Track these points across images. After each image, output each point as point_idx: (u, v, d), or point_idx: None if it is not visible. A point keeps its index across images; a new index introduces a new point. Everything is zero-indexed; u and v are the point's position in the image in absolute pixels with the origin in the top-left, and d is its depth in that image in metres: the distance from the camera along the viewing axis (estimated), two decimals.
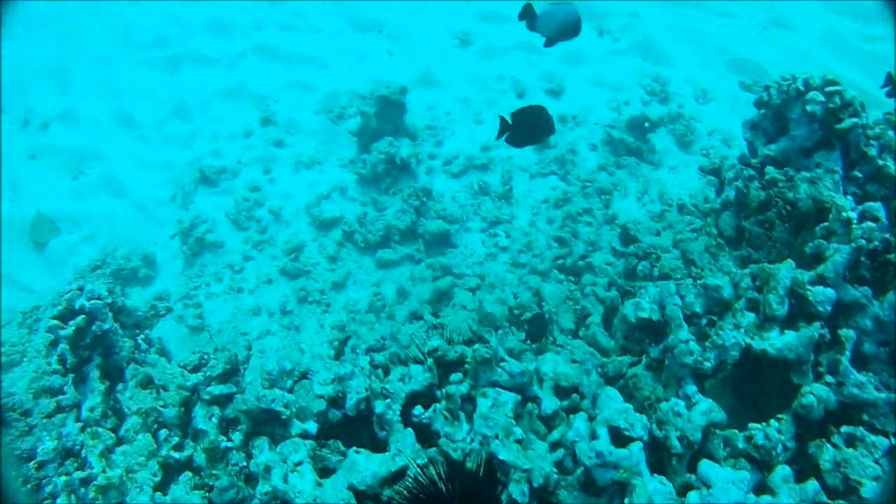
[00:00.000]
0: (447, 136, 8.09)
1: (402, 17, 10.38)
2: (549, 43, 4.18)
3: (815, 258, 3.74)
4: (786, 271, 3.49)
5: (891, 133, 4.73)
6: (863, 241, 3.57)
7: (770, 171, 4.69)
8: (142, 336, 4.07)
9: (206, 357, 3.81)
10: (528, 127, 4.06)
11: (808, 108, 4.49)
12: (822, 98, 4.46)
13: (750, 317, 3.49)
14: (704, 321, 3.65)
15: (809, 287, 3.45)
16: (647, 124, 7.75)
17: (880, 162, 4.48)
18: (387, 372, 3.63)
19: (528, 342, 4.95)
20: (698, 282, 3.75)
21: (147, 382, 3.68)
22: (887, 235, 3.65)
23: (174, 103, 9.57)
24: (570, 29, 4.05)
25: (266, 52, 10.14)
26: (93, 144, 9.23)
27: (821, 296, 3.40)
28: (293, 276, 6.71)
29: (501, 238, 6.73)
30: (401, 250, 6.63)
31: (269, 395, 3.34)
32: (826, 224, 3.91)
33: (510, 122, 4.01)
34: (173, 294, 6.83)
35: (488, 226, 6.89)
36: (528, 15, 4.04)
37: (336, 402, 3.37)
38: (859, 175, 4.54)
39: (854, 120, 4.45)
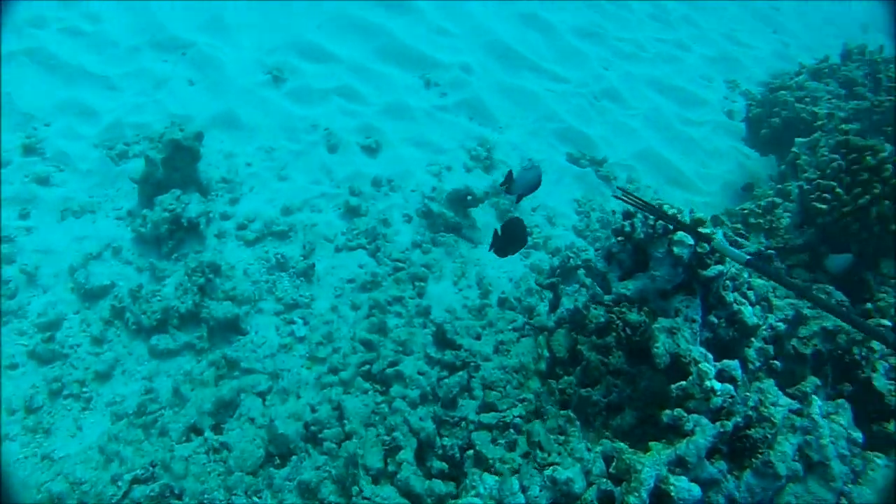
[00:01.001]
0: (245, 193, 7.54)
1: (211, 40, 9.71)
2: (519, 198, 5.10)
3: (671, 429, 3.72)
4: (650, 469, 3.34)
5: (745, 274, 4.87)
6: (728, 425, 3.60)
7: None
8: None
9: None
10: (511, 239, 4.88)
11: (676, 250, 4.38)
12: (690, 241, 4.38)
13: None
14: None
15: (673, 482, 3.36)
16: (469, 198, 7.55)
17: (736, 307, 4.56)
18: None
19: None
20: (545, 473, 3.50)
21: None
22: (749, 411, 3.71)
23: None
24: (535, 186, 4.94)
25: (43, 59, 9.06)
26: None
27: (685, 493, 3.31)
28: (46, 361, 5.79)
29: (299, 326, 6.25)
30: (180, 337, 5.98)
31: None
32: (684, 385, 3.89)
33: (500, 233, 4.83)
34: None
35: (284, 309, 6.40)
36: (508, 180, 4.82)
37: None
38: (715, 320, 4.58)
39: (720, 268, 4.44)
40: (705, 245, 4.44)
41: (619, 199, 4.62)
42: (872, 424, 4.50)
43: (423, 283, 6.76)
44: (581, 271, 6.75)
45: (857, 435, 3.89)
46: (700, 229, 4.36)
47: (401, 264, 6.96)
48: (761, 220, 6.86)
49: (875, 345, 4.86)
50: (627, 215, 4.82)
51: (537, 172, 4.93)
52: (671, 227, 4.43)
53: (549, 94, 10.09)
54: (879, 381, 4.66)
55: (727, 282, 4.62)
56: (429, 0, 11.21)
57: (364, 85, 9.36)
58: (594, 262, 5.12)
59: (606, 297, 4.92)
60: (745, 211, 7.10)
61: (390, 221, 7.48)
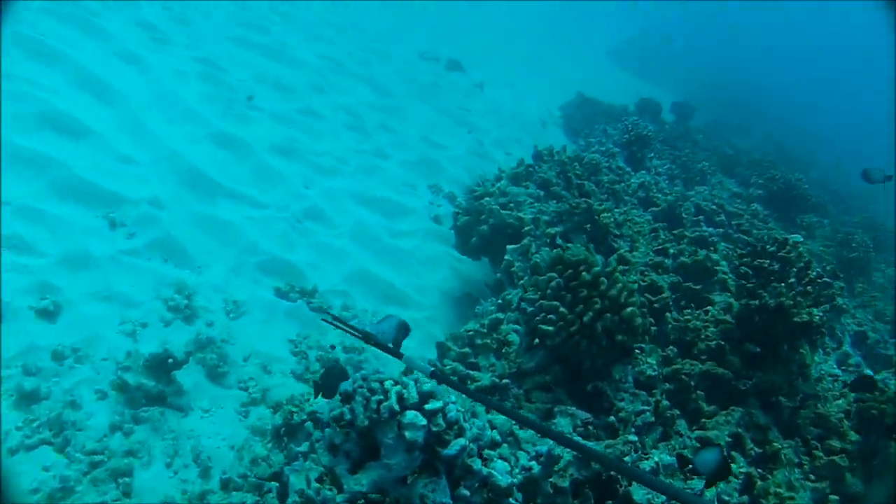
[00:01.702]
0: None
1: None
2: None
3: None
4: None
5: (494, 433, 4.82)
6: None
7: None
8: None
9: None
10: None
11: (408, 434, 4.16)
12: (423, 422, 4.16)
13: None
14: None
15: None
16: (170, 360, 6.92)
17: (485, 472, 4.50)
18: None
19: None
20: None
21: None
22: None
23: None
24: (402, 330, 4.58)
25: None
26: None
27: None
28: None
29: None
30: None
31: None
32: None
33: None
34: None
35: None
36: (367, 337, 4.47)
37: None
38: (466, 493, 4.41)
39: (462, 442, 4.31)
40: (440, 421, 4.28)
41: (329, 323, 4.51)
42: None
43: (128, 479, 6.02)
44: (309, 423, 6.42)
45: None
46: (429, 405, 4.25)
47: (99, 456, 6.13)
48: (488, 340, 6.92)
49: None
50: (346, 398, 4.53)
51: (392, 322, 4.66)
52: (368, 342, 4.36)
53: (248, 221, 9.69)
54: (637, 494, 4.92)
55: (471, 445, 4.52)
56: (109, 123, 10.35)
57: (35, 231, 8.25)
58: (319, 454, 4.79)
59: (339, 498, 4.59)
60: (471, 332, 7.15)
61: (80, 402, 6.59)
